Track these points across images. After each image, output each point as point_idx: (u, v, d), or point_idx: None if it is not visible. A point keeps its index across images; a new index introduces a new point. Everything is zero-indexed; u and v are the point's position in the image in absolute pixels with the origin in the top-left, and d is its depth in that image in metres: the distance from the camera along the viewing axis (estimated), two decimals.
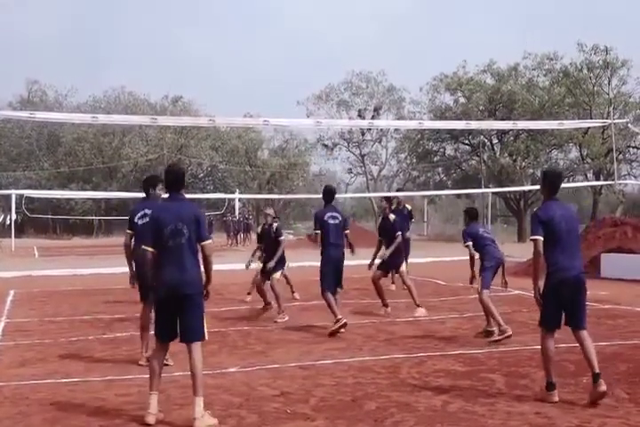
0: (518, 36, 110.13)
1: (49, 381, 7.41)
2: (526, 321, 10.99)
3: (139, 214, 8.07)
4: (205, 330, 6.12)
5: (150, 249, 6.14)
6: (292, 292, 14.36)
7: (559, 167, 8.89)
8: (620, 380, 7.09)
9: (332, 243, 10.40)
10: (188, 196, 6.57)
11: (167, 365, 7.05)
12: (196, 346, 6.07)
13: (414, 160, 54.04)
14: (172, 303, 6.02)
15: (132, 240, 8.11)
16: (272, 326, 10.74)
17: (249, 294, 13.95)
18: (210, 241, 6.19)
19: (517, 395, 6.62)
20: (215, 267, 6.38)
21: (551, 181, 6.80)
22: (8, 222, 49.63)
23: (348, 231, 10.78)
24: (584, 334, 6.59)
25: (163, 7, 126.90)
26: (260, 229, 12.53)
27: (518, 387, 6.91)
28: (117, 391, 6.94)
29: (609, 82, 47.19)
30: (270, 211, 12.69)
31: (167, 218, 6.10)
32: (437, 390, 6.85)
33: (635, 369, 7.53)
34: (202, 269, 6.18)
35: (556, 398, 6.38)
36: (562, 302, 6.50)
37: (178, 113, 55.15)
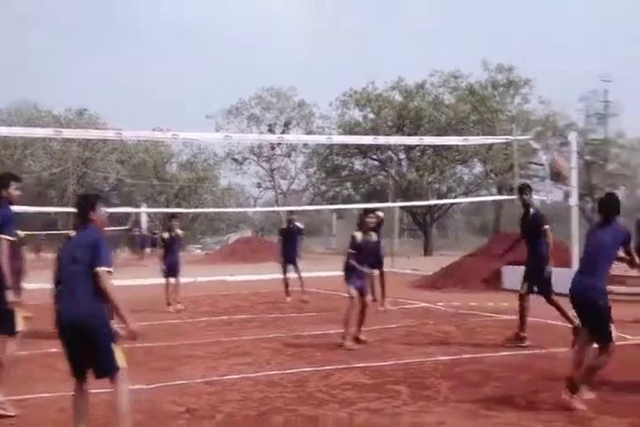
0: (427, 53, 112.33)
1: None
2: (431, 333, 11.19)
3: None
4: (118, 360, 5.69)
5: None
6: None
7: (613, 191, 8.98)
8: (521, 389, 7.27)
9: None
10: None
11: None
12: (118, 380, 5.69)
13: (323, 175, 54.42)
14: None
15: None
16: (177, 343, 10.58)
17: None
18: (106, 269, 5.58)
19: (422, 406, 6.71)
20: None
21: (599, 204, 7.14)
22: None
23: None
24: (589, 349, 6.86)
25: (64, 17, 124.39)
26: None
27: (423, 398, 7.00)
28: None
29: (512, 100, 48.64)
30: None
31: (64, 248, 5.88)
32: (344, 402, 6.88)
33: (534, 379, 7.73)
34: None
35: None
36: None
37: (83, 126, 54.05)
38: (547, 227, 10.01)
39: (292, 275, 16.17)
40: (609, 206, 6.95)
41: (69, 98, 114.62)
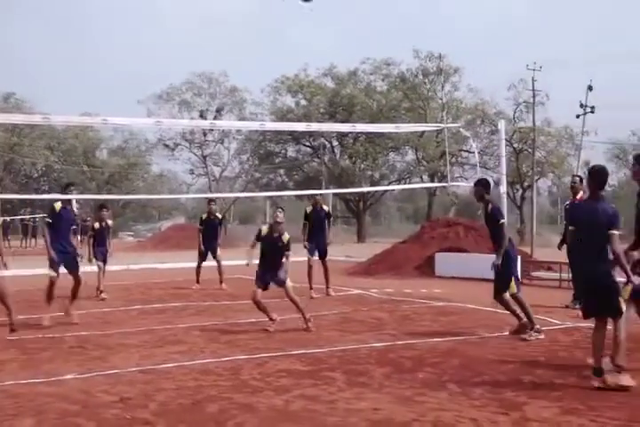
0: (359, 41, 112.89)
1: None
2: (365, 320, 11.29)
3: None
4: None
5: None
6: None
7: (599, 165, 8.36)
8: (454, 374, 7.39)
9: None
10: (21, 197, 6.07)
11: None
12: None
13: (256, 161, 54.26)
14: None
15: None
16: (110, 331, 10.43)
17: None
18: None
19: (357, 392, 6.75)
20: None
21: (591, 177, 6.99)
22: None
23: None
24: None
25: None
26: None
27: (357, 384, 7.05)
28: None
29: (442, 88, 49.20)
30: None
31: None
32: (279, 390, 6.88)
33: (467, 364, 7.86)
34: None
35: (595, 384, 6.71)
36: (589, 295, 6.94)
37: (10, 110, 52.69)
38: (503, 221, 9.56)
39: (207, 264, 16.48)
40: (602, 179, 6.95)
41: None
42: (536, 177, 44.96)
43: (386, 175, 53.26)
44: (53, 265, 11.13)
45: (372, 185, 49.40)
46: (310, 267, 14.46)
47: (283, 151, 54.04)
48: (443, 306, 12.78)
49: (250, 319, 11.27)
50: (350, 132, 47.02)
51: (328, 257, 14.92)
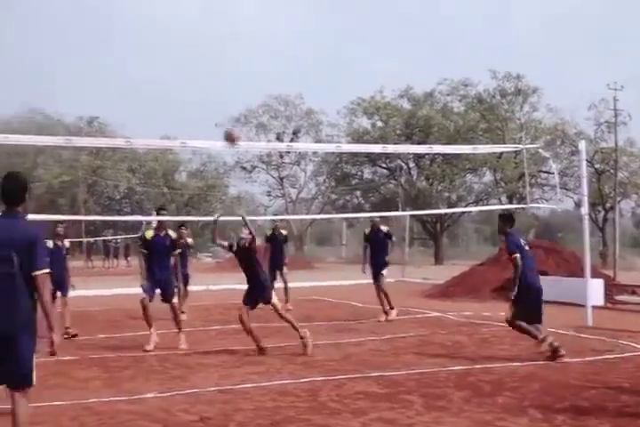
0: (434, 62, 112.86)
1: None
2: (444, 343, 11.17)
3: None
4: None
5: None
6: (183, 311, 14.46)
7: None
8: (535, 399, 7.24)
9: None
10: (104, 218, 6.25)
11: None
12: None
13: (333, 183, 54.45)
14: None
15: None
16: (190, 351, 10.57)
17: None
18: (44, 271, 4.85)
19: (435, 416, 6.68)
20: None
21: None
22: None
23: None
24: None
25: (77, 23, 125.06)
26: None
27: (436, 408, 6.96)
28: None
29: (521, 108, 48.64)
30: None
31: None
32: (357, 412, 6.85)
33: (548, 389, 7.69)
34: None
35: None
36: None
37: (93, 134, 54.23)
38: (514, 256, 9.75)
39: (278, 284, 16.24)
40: None
41: (73, 105, 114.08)
42: (619, 198, 43.92)
43: (463, 197, 52.76)
44: (146, 289, 11.09)
45: (449, 207, 48.98)
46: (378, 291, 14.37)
47: (359, 173, 54.10)
48: None
49: (326, 341, 11.28)
50: (427, 154, 46.80)
51: (401, 278, 14.79)
